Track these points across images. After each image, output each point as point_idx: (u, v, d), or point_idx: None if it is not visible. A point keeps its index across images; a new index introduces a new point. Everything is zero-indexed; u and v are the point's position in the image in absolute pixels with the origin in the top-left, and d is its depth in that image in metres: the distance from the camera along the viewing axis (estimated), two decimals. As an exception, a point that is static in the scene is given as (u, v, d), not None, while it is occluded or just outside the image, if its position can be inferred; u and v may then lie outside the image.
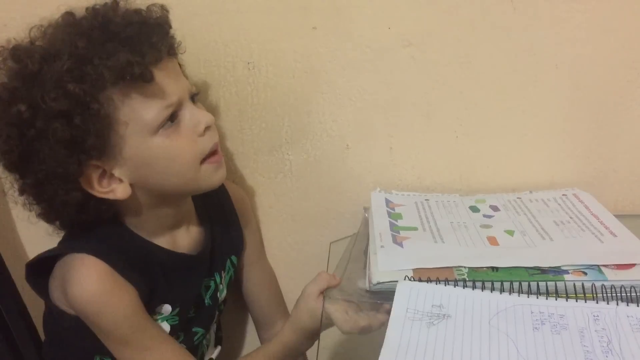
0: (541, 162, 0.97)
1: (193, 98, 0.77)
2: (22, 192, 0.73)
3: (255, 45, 0.91)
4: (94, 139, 0.68)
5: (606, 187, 0.96)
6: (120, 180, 0.72)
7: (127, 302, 0.73)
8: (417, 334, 0.63)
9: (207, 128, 0.75)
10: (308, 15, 0.89)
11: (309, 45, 0.91)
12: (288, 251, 1.04)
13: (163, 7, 0.76)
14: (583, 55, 0.90)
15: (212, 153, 0.76)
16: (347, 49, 0.91)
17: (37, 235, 0.80)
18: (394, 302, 0.68)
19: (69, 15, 0.72)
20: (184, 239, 0.83)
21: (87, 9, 0.72)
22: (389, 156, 0.97)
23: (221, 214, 0.89)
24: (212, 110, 0.94)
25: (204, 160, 0.75)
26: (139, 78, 0.68)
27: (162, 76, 0.70)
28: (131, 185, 0.73)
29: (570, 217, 0.86)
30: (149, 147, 0.71)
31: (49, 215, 0.74)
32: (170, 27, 0.75)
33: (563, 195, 0.93)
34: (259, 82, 0.93)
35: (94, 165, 0.70)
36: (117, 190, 0.72)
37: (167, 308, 0.80)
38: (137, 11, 0.73)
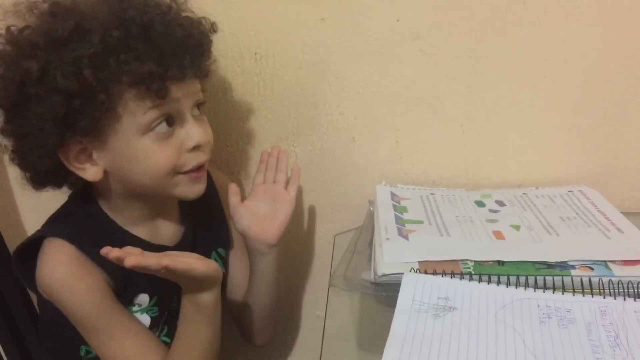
0: (548, 158, 0.97)
1: (199, 107, 0.76)
2: (3, 132, 0.71)
3: (263, 36, 0.91)
4: (87, 123, 0.67)
5: (613, 184, 0.96)
6: (96, 163, 0.72)
7: (94, 287, 0.73)
8: (423, 326, 0.63)
9: (197, 147, 0.74)
10: (317, 7, 0.89)
11: (317, 37, 0.91)
12: (292, 243, 1.04)
13: (213, 25, 0.76)
14: (592, 50, 0.90)
15: (195, 169, 0.75)
16: (355, 41, 0.90)
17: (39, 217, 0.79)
18: (400, 293, 0.67)
19: None
20: (164, 230, 0.83)
21: None
22: (395, 150, 0.97)
23: (205, 206, 0.88)
24: (218, 101, 0.94)
25: (180, 172, 0.74)
26: (153, 92, 0.68)
27: (175, 91, 0.70)
28: (105, 171, 0.73)
29: (577, 213, 0.86)
30: (133, 144, 0.70)
31: (20, 164, 0.73)
32: (209, 48, 0.75)
33: (569, 191, 0.93)
34: (266, 72, 0.93)
35: (77, 140, 0.70)
36: (89, 171, 0.72)
37: (144, 298, 0.79)
38: (184, 24, 0.72)
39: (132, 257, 0.63)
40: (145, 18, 0.68)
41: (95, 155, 0.71)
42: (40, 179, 0.74)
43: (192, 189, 0.76)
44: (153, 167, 0.72)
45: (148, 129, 0.70)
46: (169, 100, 0.70)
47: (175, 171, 0.74)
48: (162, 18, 0.70)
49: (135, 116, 0.69)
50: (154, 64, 0.67)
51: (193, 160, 0.74)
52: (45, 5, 0.70)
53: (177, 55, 0.70)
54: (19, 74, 0.66)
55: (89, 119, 0.67)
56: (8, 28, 0.69)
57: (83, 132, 0.69)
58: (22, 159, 0.72)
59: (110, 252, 0.63)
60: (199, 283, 0.70)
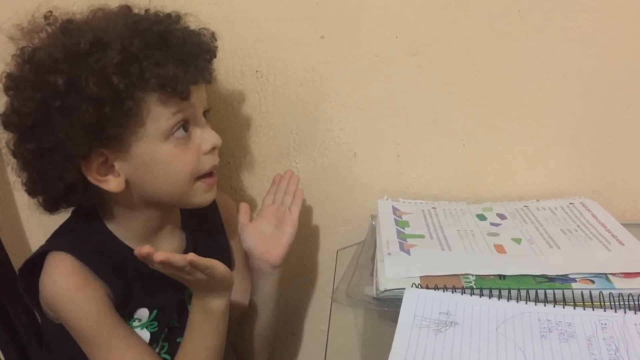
0: (548, 170, 0.97)
1: (205, 114, 0.78)
2: (16, 155, 0.72)
3: (264, 54, 0.92)
4: (114, 131, 0.69)
5: (613, 195, 0.96)
6: (118, 174, 0.73)
7: (95, 299, 0.73)
8: (425, 341, 0.63)
9: (213, 149, 0.77)
10: (316, 24, 0.90)
11: (317, 54, 0.92)
12: (295, 258, 1.04)
13: (213, 35, 0.79)
14: (590, 63, 0.91)
15: (209, 174, 0.78)
16: (354, 57, 0.92)
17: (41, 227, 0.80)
18: (401, 309, 0.68)
19: (127, 8, 0.74)
20: (165, 245, 0.83)
21: (147, 10, 0.75)
22: (396, 164, 0.98)
23: (206, 223, 0.89)
24: (220, 118, 0.95)
25: (199, 177, 0.77)
26: (178, 93, 0.70)
27: (193, 95, 0.73)
28: (126, 182, 0.73)
29: (578, 226, 0.86)
30: (156, 150, 0.72)
31: (35, 186, 0.74)
32: (215, 56, 0.78)
33: (570, 203, 0.93)
34: (267, 90, 0.94)
35: (100, 152, 0.71)
36: (112, 182, 0.73)
37: (143, 312, 0.79)
38: (194, 32, 0.76)
39: (161, 252, 0.65)
40: (160, 27, 0.72)
41: (117, 166, 0.73)
42: (55, 200, 0.75)
43: (207, 196, 0.78)
44: (176, 172, 0.74)
45: (169, 134, 0.72)
46: (188, 104, 0.73)
47: (195, 176, 0.76)
48: (176, 26, 0.74)
49: (158, 121, 0.71)
50: (175, 68, 0.70)
51: (210, 162, 0.77)
52: (52, 27, 0.71)
53: (193, 59, 0.73)
54: (40, 92, 0.67)
55: (116, 126, 0.69)
56: (23, 48, 0.71)
57: (109, 141, 0.70)
58: (41, 177, 0.72)
59: (141, 250, 0.65)
60: (213, 287, 0.72)
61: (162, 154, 0.73)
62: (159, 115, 0.71)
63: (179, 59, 0.71)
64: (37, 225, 0.79)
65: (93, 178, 0.72)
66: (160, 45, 0.70)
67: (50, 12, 0.73)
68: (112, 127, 0.69)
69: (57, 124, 0.68)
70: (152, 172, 0.73)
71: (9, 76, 0.71)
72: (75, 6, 0.75)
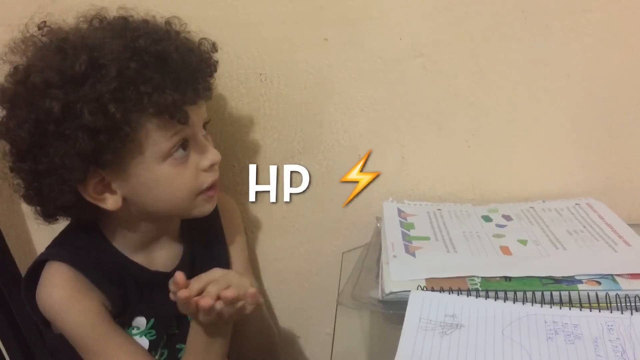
0: (554, 171, 0.97)
1: (204, 126, 0.78)
2: (13, 170, 0.72)
3: (268, 57, 0.92)
4: (112, 156, 0.68)
5: (620, 196, 0.96)
6: (115, 192, 0.73)
7: (91, 310, 0.73)
8: (430, 344, 0.63)
9: (212, 165, 0.76)
10: (320, 27, 0.90)
11: (321, 57, 0.92)
12: (300, 261, 1.04)
13: (214, 46, 0.78)
14: (594, 63, 0.90)
15: (209, 187, 0.77)
16: (358, 59, 0.92)
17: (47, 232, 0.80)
18: (407, 311, 0.68)
19: (124, 20, 0.73)
20: (162, 255, 0.83)
21: (144, 21, 0.73)
22: (401, 166, 0.97)
23: (206, 232, 0.88)
24: (225, 122, 0.96)
25: (200, 192, 0.76)
26: (177, 119, 0.69)
27: (191, 115, 0.72)
28: (124, 199, 0.73)
29: (584, 227, 0.86)
30: (154, 171, 0.72)
31: (32, 199, 0.74)
32: (215, 70, 0.78)
33: (576, 204, 0.93)
34: (271, 93, 0.94)
35: (96, 172, 0.71)
36: (109, 201, 0.73)
37: (141, 321, 0.79)
38: (194, 50, 0.74)
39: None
40: (158, 47, 0.69)
41: (114, 185, 0.72)
42: (52, 212, 0.75)
43: (207, 207, 0.78)
44: (175, 192, 0.74)
45: (168, 155, 0.72)
46: (186, 125, 0.72)
47: (195, 193, 0.75)
48: (174, 46, 0.71)
49: (156, 145, 0.70)
50: (173, 92, 0.68)
51: (209, 178, 0.76)
52: (45, 39, 0.71)
53: (192, 81, 0.72)
54: (35, 114, 0.66)
55: (113, 152, 0.68)
56: (16, 67, 0.70)
57: (106, 165, 0.69)
58: (38, 195, 0.72)
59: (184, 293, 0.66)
60: None
61: (160, 175, 0.72)
62: (157, 139, 0.70)
63: (177, 81, 0.69)
64: (44, 229, 0.79)
65: (90, 197, 0.72)
66: (158, 68, 0.68)
67: (44, 22, 0.72)
68: (108, 153, 0.68)
69: (52, 148, 0.67)
70: (151, 192, 0.73)
71: (4, 91, 0.70)
72: (70, 15, 0.74)
